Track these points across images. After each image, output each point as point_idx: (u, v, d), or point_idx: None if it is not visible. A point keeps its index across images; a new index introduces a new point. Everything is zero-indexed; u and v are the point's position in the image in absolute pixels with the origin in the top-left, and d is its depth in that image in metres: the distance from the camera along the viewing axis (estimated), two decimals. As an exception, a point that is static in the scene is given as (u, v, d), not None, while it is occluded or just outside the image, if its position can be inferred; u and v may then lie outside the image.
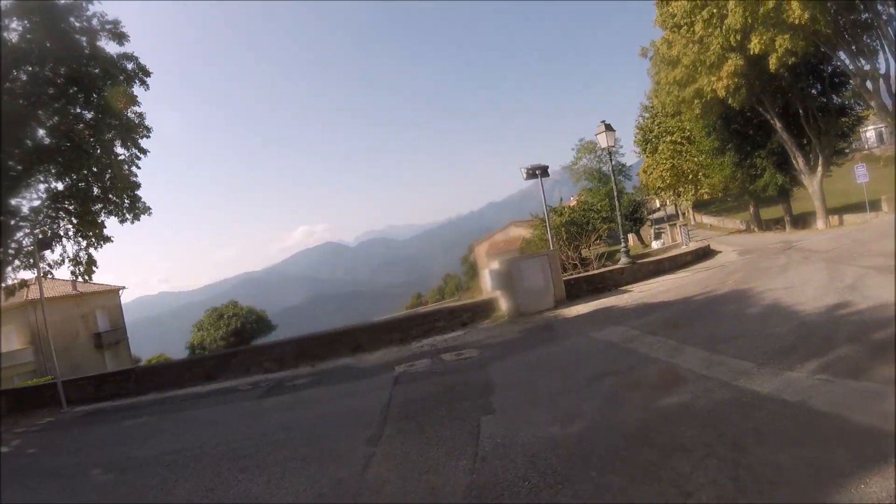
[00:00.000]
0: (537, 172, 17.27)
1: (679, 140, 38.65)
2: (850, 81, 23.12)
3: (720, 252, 21.07)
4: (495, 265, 13.61)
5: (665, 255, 19.75)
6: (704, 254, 20.96)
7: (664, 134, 41.21)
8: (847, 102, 24.20)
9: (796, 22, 17.58)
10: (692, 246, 24.50)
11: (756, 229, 33.65)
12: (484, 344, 9.82)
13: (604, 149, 16.04)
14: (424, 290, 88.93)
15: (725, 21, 19.95)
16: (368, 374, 9.15)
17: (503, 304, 13.09)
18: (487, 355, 8.63)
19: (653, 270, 16.78)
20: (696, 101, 25.84)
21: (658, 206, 74.68)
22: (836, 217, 23.86)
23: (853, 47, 20.72)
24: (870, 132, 48.24)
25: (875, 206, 22.00)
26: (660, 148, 42.25)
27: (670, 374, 5.57)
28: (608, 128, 16.21)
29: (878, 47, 20.28)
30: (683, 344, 6.84)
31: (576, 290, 14.24)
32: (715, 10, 20.34)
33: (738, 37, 20.02)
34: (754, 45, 19.31)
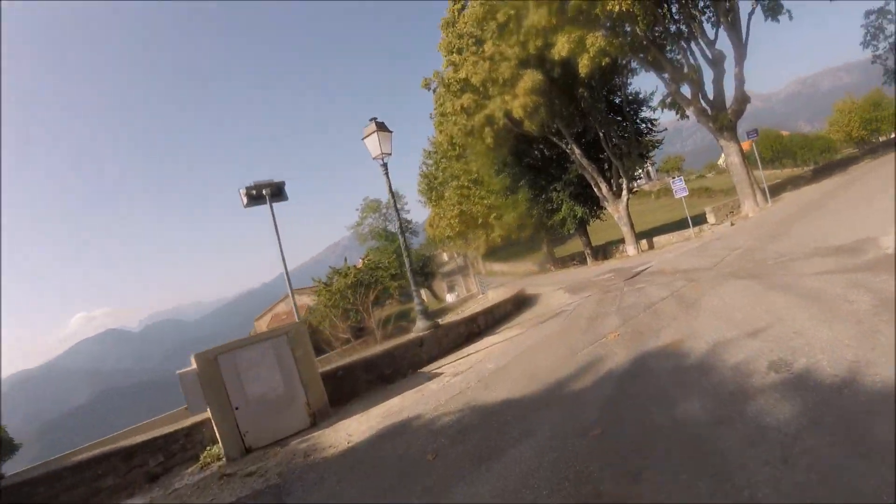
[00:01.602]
0: (264, 193, 10.46)
1: (466, 184, 36.37)
2: (648, 103, 22.76)
3: (540, 294, 17.03)
4: (192, 364, 6.21)
5: (478, 309, 14.31)
6: (524, 300, 16.77)
7: (450, 179, 38.77)
8: (643, 126, 23.71)
9: (617, 9, 15.08)
10: (501, 293, 20.48)
11: (552, 268, 32.39)
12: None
13: (375, 158, 10.12)
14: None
15: (525, 22, 16.81)
16: None
17: (219, 433, 6.32)
18: None
19: (466, 334, 11.53)
20: (486, 130, 22.77)
21: (447, 259, 74.85)
22: (644, 241, 22.51)
23: (665, 54, 19.81)
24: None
25: (697, 220, 21.12)
26: (446, 194, 39.60)
27: None
28: (381, 127, 10.25)
29: (689, 56, 19.55)
30: None
31: (349, 386, 8.53)
32: (512, 13, 17.10)
33: (540, 42, 17.05)
34: (561, 47, 16.50)
